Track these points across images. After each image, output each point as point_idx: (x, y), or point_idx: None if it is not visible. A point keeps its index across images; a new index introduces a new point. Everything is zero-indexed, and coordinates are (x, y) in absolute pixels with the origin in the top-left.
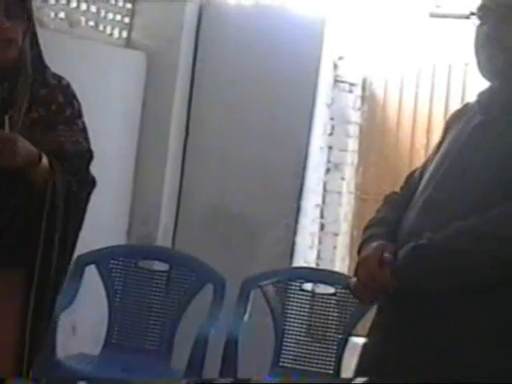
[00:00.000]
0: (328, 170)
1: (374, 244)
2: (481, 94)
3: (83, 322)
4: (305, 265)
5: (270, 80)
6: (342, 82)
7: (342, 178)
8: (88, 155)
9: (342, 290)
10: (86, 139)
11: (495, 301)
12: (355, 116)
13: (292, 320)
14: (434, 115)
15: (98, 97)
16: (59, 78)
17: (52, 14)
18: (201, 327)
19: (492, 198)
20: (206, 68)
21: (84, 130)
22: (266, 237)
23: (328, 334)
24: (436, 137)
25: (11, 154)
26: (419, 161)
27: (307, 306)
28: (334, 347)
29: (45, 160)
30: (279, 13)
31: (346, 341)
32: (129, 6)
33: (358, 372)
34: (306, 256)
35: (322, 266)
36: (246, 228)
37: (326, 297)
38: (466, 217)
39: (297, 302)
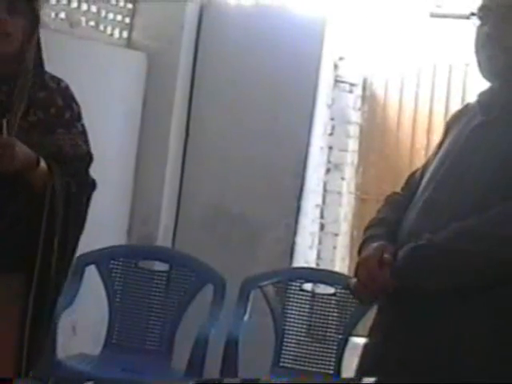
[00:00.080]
0: (328, 170)
1: (374, 244)
2: (481, 95)
3: (83, 322)
4: (305, 265)
5: (270, 80)
6: (343, 82)
7: (342, 178)
8: (87, 158)
9: (342, 291)
10: (86, 142)
11: (495, 301)
12: (355, 116)
13: (292, 320)
14: (434, 115)
15: (98, 97)
16: (58, 81)
17: (53, 15)
18: (201, 327)
19: (492, 199)
20: (207, 68)
21: (83, 132)
22: (266, 237)
23: (328, 334)
24: (436, 137)
25: (10, 159)
26: (419, 161)
27: (307, 306)
28: (334, 347)
29: (43, 163)
30: (279, 13)
31: (346, 341)
32: (129, 6)
33: (359, 372)
34: (306, 256)
35: (322, 266)
36: (246, 228)
37: (326, 297)
38: (466, 217)
39: (297, 302)
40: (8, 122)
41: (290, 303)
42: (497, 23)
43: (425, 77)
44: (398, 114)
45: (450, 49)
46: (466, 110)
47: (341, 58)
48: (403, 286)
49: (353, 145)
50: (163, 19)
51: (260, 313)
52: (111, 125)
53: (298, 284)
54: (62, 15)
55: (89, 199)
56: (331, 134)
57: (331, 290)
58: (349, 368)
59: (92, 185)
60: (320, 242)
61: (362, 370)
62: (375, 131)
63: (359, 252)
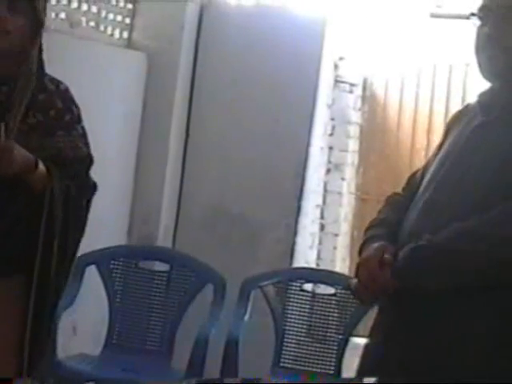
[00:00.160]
0: (328, 171)
1: (375, 245)
2: (481, 95)
3: (84, 323)
4: (305, 265)
5: (270, 80)
6: (343, 82)
7: (343, 179)
8: (88, 160)
9: (343, 291)
10: (86, 144)
11: (495, 301)
12: (356, 116)
13: (292, 320)
14: (434, 115)
15: (98, 97)
16: (57, 83)
17: (53, 15)
18: (201, 327)
19: (492, 199)
20: (207, 68)
21: (83, 135)
22: (267, 237)
23: (328, 334)
24: (436, 137)
25: (8, 163)
26: (420, 161)
27: (307, 306)
28: (335, 348)
29: (41, 166)
30: (280, 13)
31: (346, 341)
32: (130, 6)
33: (360, 372)
34: (306, 256)
35: (322, 267)
36: (246, 228)
37: (326, 297)
38: (466, 218)
39: (297, 303)
40: (6, 126)
41: (291, 303)
42: (497, 24)
43: (425, 77)
44: (398, 114)
45: (450, 49)
46: (466, 110)
47: (341, 58)
48: (404, 286)
49: (353, 145)
50: (163, 19)
51: (260, 313)
52: (111, 125)
53: (298, 284)
54: (63, 15)
55: (89, 202)
56: (331, 135)
57: (331, 291)
58: (349, 368)
59: (93, 187)
60: (320, 243)
61: (363, 370)
62: (375, 131)
63: (360, 252)
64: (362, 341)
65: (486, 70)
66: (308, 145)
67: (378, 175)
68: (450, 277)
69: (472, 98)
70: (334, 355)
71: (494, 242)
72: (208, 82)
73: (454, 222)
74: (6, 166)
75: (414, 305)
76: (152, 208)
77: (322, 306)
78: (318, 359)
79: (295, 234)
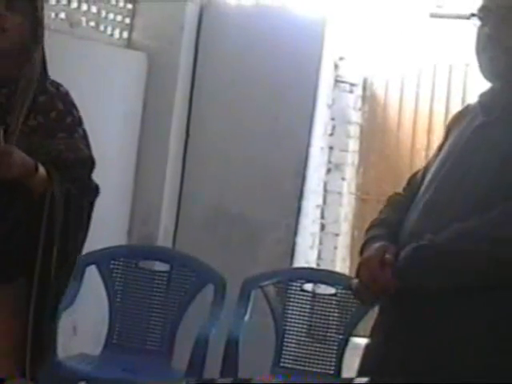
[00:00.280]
0: (329, 171)
1: (376, 245)
2: (482, 95)
3: (84, 323)
4: (305, 265)
5: (270, 80)
6: (343, 82)
7: (343, 179)
8: (89, 162)
9: (343, 291)
10: (87, 146)
11: (496, 301)
12: (356, 116)
13: (293, 320)
14: (434, 115)
15: (98, 97)
16: (57, 85)
17: (53, 15)
18: (201, 327)
19: (493, 200)
20: (207, 68)
21: (85, 137)
22: (267, 237)
23: (329, 334)
24: (437, 137)
25: (7, 167)
26: (420, 161)
27: (308, 306)
28: (335, 348)
29: (42, 169)
30: (280, 13)
31: (346, 341)
32: (129, 6)
33: (361, 372)
34: (306, 256)
35: (322, 267)
36: (246, 228)
37: (326, 297)
38: (467, 218)
39: (297, 303)
40: (6, 130)
41: (291, 303)
42: (497, 24)
43: (425, 77)
44: (398, 114)
45: (450, 49)
46: (466, 110)
47: (341, 58)
48: (405, 286)
49: (353, 145)
50: (163, 19)
51: (260, 313)
52: (111, 125)
53: (298, 284)
54: (62, 15)
55: (92, 204)
56: (332, 135)
57: (332, 291)
58: (349, 368)
59: (95, 190)
60: (320, 243)
61: (364, 371)
62: (376, 131)
63: (361, 252)
64: (362, 341)
65: (487, 70)
66: (308, 145)
67: (378, 175)
68: (450, 277)
69: (472, 98)
70: (334, 355)
71: (495, 242)
72: (208, 82)
73: (454, 223)
74: (6, 169)
75: (415, 305)
76: (152, 208)
77: (322, 306)
78: (318, 359)
79: (295, 233)
